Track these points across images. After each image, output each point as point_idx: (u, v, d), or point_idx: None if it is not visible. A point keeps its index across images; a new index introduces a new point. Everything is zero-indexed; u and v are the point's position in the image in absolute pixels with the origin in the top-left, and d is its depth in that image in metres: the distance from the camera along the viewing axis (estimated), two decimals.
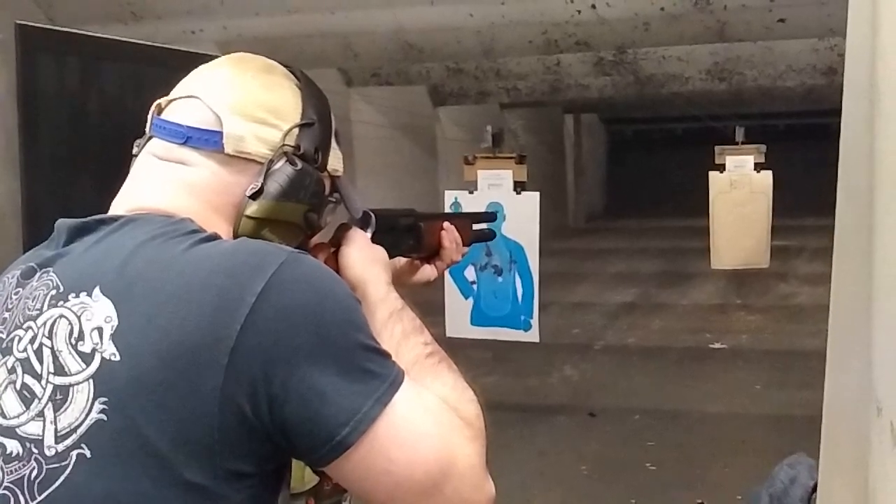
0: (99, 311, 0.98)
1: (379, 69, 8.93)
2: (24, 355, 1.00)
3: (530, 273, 4.81)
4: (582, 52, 7.74)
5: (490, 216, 1.73)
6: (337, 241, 1.21)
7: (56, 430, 0.96)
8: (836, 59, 7.86)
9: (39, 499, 0.96)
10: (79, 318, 0.99)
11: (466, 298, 4.89)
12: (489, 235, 1.59)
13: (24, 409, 0.98)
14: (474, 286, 4.87)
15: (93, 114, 3.62)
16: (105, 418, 0.95)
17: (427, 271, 1.39)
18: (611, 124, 20.72)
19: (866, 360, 1.02)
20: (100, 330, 0.97)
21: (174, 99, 1.13)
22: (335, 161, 1.17)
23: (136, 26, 5.58)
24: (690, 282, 10.61)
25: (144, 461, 0.94)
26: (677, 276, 11.04)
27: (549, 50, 6.90)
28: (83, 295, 1.00)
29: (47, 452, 0.96)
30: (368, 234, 1.22)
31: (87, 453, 0.95)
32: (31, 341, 1.01)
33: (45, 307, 1.01)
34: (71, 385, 0.97)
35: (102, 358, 0.96)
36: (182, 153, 1.10)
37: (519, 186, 4.79)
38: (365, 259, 1.18)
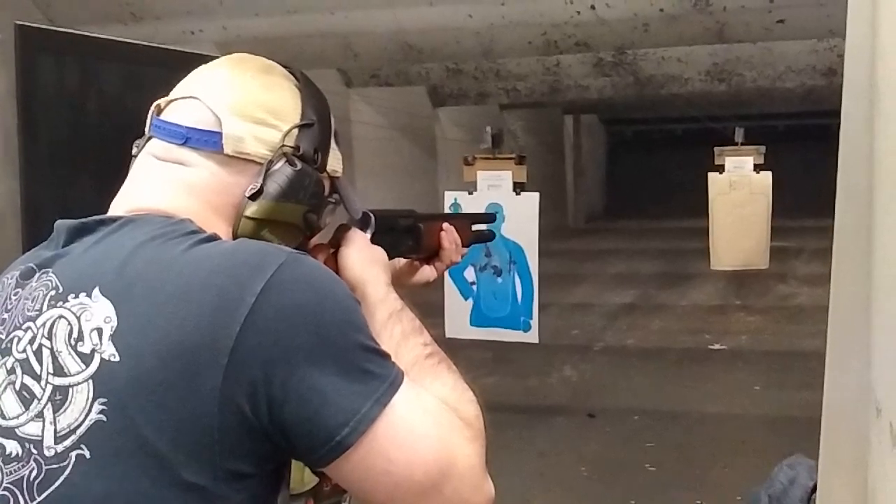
0: (98, 312, 0.98)
1: (378, 70, 8.94)
2: (23, 356, 1.00)
3: (530, 274, 4.82)
4: (581, 53, 7.76)
5: (489, 217, 1.73)
6: (336, 242, 1.21)
7: (55, 430, 0.96)
8: (836, 59, 7.87)
9: (39, 499, 0.96)
10: (78, 318, 0.99)
11: (466, 299, 4.90)
12: (489, 236, 1.59)
13: (24, 409, 0.98)
14: (474, 287, 4.88)
15: (92, 114, 3.62)
16: (104, 419, 0.95)
17: (426, 272, 1.39)
18: (610, 125, 20.73)
19: (866, 360, 1.02)
20: (99, 330, 0.97)
21: (173, 99, 1.13)
22: (334, 162, 1.17)
23: (136, 27, 5.58)
24: (690, 283, 10.61)
25: (144, 461, 0.94)
26: (677, 277, 11.04)
27: (548, 51, 6.91)
28: (83, 295, 1.00)
29: (47, 453, 0.96)
30: (368, 235, 1.22)
31: (87, 454, 0.95)
32: (31, 342, 1.00)
33: (45, 308, 1.01)
34: (70, 386, 0.97)
35: (102, 358, 0.96)
36: (181, 154, 1.10)
37: (518, 187, 4.80)
38: (364, 260, 1.18)
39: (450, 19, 5.96)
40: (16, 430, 0.98)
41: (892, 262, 0.97)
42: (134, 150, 1.15)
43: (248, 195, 1.09)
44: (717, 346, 7.70)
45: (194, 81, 1.14)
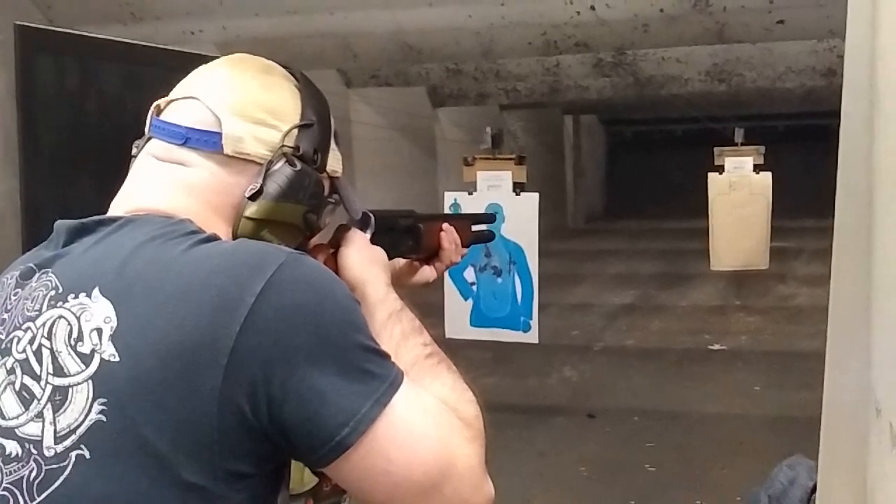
0: (98, 312, 0.98)
1: (378, 70, 8.94)
2: (23, 356, 1.00)
3: (529, 274, 4.82)
4: (581, 54, 7.76)
5: (489, 217, 1.73)
6: (336, 242, 1.21)
7: (55, 430, 0.96)
8: (836, 60, 7.87)
9: (39, 499, 0.96)
10: (78, 318, 0.99)
11: (466, 299, 4.89)
12: (488, 236, 1.59)
13: (24, 409, 0.98)
14: (474, 287, 4.88)
15: (92, 114, 3.62)
16: (104, 419, 0.95)
17: (426, 272, 1.39)
18: (610, 125, 20.73)
19: (865, 360, 1.02)
20: (99, 331, 0.97)
21: (173, 100, 1.13)
22: (334, 162, 1.17)
23: (136, 27, 5.58)
24: (690, 283, 10.61)
25: (143, 461, 0.94)
26: (677, 278, 11.04)
27: (548, 51, 6.91)
28: (82, 296, 1.00)
29: (46, 453, 0.96)
30: (367, 235, 1.22)
31: (87, 454, 0.95)
32: (31, 342, 1.00)
33: (45, 308, 1.01)
34: (70, 386, 0.97)
35: (102, 359, 0.96)
36: (181, 154, 1.10)
37: (518, 187, 4.79)
38: (364, 260, 1.18)
39: (449, 20, 5.96)
40: (15, 430, 0.98)
41: (892, 262, 0.97)
42: (133, 151, 1.15)
43: (247, 195, 1.09)
44: (716, 347, 7.70)
45: (194, 82, 1.14)
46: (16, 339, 1.02)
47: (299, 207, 1.11)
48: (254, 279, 0.97)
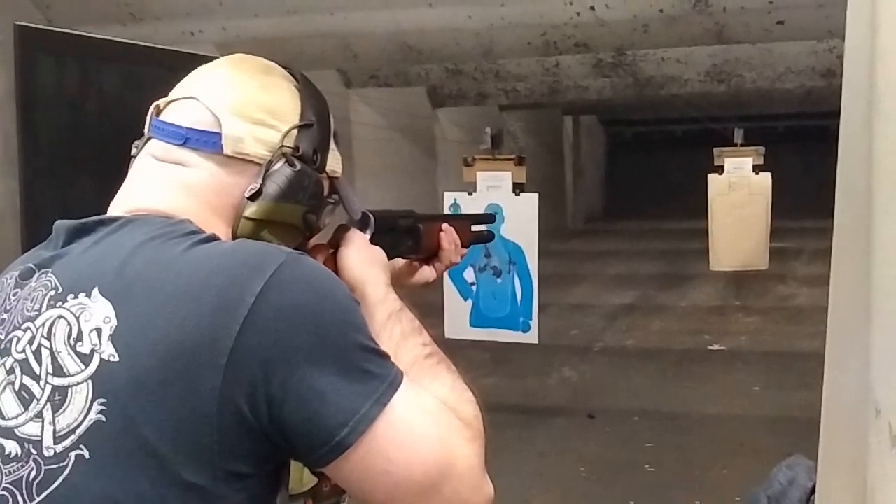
0: (98, 312, 0.98)
1: (378, 70, 8.93)
2: (22, 356, 1.00)
3: (529, 274, 4.82)
4: (581, 54, 7.76)
5: (489, 217, 1.73)
6: (336, 243, 1.21)
7: (55, 430, 0.96)
8: (835, 60, 7.87)
9: (38, 499, 0.96)
10: (77, 318, 0.99)
11: (465, 300, 4.89)
12: (488, 237, 1.59)
13: (23, 409, 0.98)
14: (473, 287, 4.88)
15: (91, 115, 3.62)
16: (104, 419, 0.95)
17: (426, 272, 1.39)
18: (610, 126, 20.72)
19: (865, 360, 1.02)
20: (99, 331, 0.97)
21: (173, 100, 1.13)
22: (334, 162, 1.17)
23: (135, 27, 5.58)
24: (689, 283, 10.61)
25: (143, 462, 0.94)
26: (676, 278, 11.04)
27: (548, 51, 6.91)
28: (82, 296, 1.00)
29: (46, 453, 0.96)
30: (367, 236, 1.22)
31: (86, 454, 0.95)
32: (30, 342, 1.00)
33: (44, 308, 1.01)
34: (70, 386, 0.97)
35: (101, 359, 0.96)
36: (181, 154, 1.10)
37: (518, 188, 4.80)
38: (364, 260, 1.18)
39: (449, 20, 5.96)
40: (15, 430, 0.98)
41: (891, 262, 0.97)
42: (133, 151, 1.15)
43: (247, 196, 1.09)
44: (716, 347, 7.70)
45: (193, 82, 1.14)
46: (15, 339, 1.02)
47: (299, 208, 1.11)
48: (253, 279, 0.97)
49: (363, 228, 1.22)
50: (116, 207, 1.11)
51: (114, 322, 0.97)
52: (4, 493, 0.97)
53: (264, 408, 0.95)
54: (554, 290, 9.02)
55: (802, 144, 17.60)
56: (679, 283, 10.73)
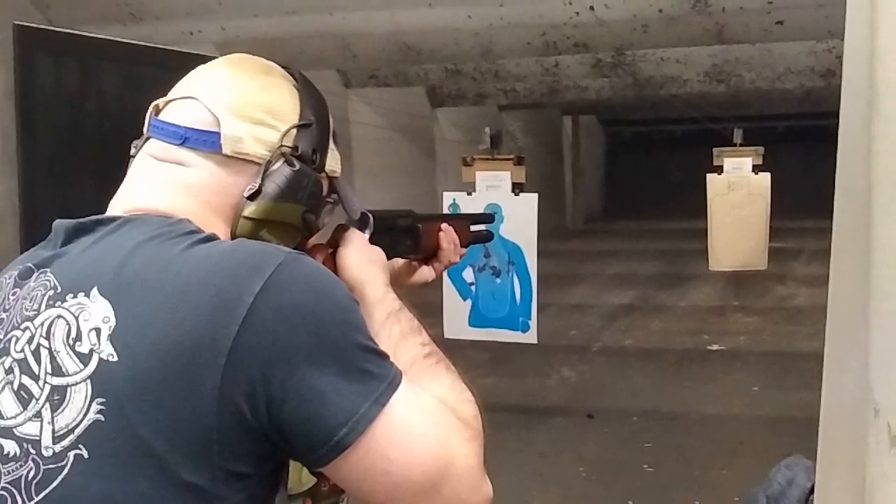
0: (97, 312, 0.98)
1: (377, 70, 8.94)
2: (21, 356, 1.00)
3: (528, 274, 4.81)
4: (580, 54, 7.76)
5: (488, 217, 1.73)
6: (335, 242, 1.21)
7: (53, 430, 0.96)
8: (835, 61, 7.88)
9: (37, 499, 0.96)
10: (76, 318, 0.99)
11: (465, 300, 4.89)
12: (487, 237, 1.59)
13: (22, 409, 0.98)
14: (472, 287, 4.87)
15: (91, 114, 3.62)
16: (103, 419, 0.95)
17: (425, 272, 1.39)
18: (609, 126, 20.73)
19: (864, 360, 1.02)
20: (97, 330, 0.97)
21: (172, 100, 1.13)
22: (333, 162, 1.17)
23: (135, 27, 5.58)
24: (689, 283, 10.61)
25: (142, 461, 0.94)
26: (675, 278, 11.04)
27: (547, 51, 6.91)
28: (81, 295, 1.00)
29: (45, 453, 0.96)
30: (366, 235, 1.22)
31: (85, 454, 0.95)
32: (29, 342, 1.00)
33: (43, 307, 1.01)
34: (68, 385, 0.97)
35: (100, 358, 0.96)
36: (180, 154, 1.10)
37: (517, 188, 4.79)
38: (363, 260, 1.18)
39: (448, 20, 5.96)
40: (14, 429, 0.98)
41: (890, 262, 0.97)
42: (132, 151, 1.15)
43: (246, 195, 1.09)
44: (715, 347, 7.70)
45: (193, 82, 1.14)
46: (14, 339, 1.02)
47: (298, 207, 1.11)
48: (252, 279, 0.97)
49: (362, 228, 1.22)
50: (115, 207, 1.11)
51: (113, 322, 0.97)
52: (3, 492, 0.97)
53: (264, 408, 0.95)
54: (553, 290, 9.02)
55: (802, 144, 17.61)
56: (678, 283, 10.73)
